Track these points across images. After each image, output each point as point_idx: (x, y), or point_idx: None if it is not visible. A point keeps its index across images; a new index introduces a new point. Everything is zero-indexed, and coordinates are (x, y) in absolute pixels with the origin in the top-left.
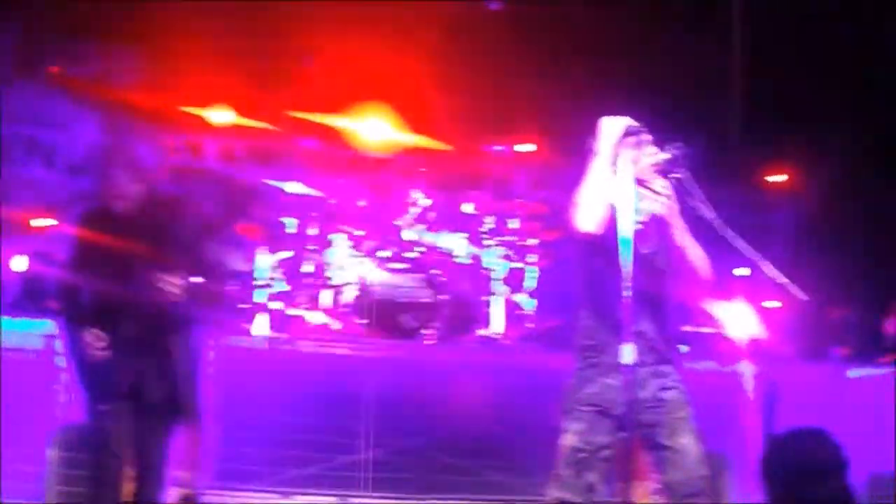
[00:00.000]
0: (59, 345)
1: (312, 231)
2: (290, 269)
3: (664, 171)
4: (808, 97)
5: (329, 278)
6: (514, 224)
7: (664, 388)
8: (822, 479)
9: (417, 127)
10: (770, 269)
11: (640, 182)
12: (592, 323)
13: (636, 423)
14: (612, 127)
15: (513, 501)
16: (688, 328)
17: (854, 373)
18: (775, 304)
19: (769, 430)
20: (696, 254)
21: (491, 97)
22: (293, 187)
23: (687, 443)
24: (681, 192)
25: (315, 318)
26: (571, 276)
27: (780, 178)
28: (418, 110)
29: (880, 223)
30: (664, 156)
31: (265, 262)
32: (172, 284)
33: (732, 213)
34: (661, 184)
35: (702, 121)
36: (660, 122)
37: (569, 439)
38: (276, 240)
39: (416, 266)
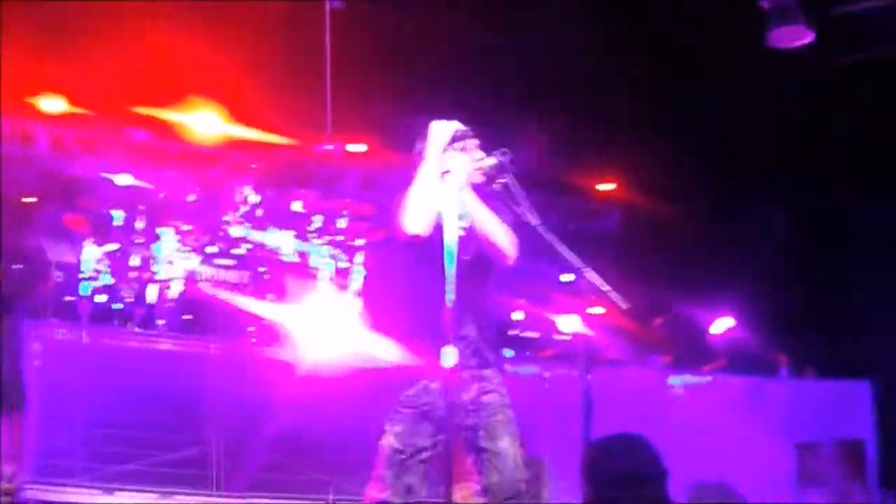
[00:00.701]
0: None
1: (140, 224)
2: (116, 263)
3: (490, 176)
4: (631, 106)
5: (155, 273)
6: (341, 224)
7: (485, 392)
8: (640, 486)
9: (249, 122)
10: (593, 276)
11: (466, 187)
12: (414, 325)
13: (456, 426)
14: (439, 131)
15: (335, 501)
16: (510, 332)
17: (675, 380)
18: (599, 310)
19: (589, 435)
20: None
21: (324, 96)
22: (122, 179)
23: (506, 446)
24: (506, 197)
25: (141, 311)
26: (394, 278)
27: (608, 186)
28: (250, 106)
29: (705, 232)
30: (490, 161)
31: (91, 254)
32: None
33: (559, 221)
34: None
35: (530, 127)
36: (488, 127)
37: (388, 440)
38: (102, 232)
39: (243, 263)
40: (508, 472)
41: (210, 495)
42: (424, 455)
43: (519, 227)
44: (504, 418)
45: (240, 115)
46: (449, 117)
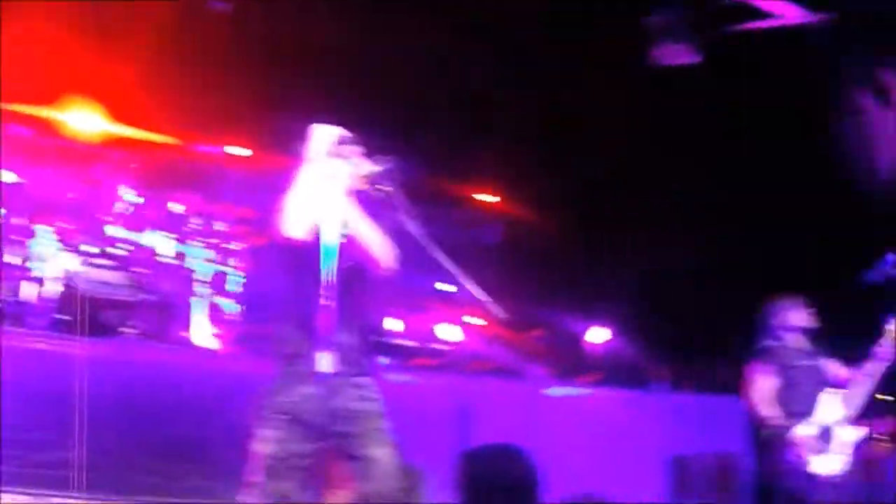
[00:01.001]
0: None
1: (18, 221)
2: None
3: (373, 183)
4: (516, 118)
5: (31, 270)
6: (220, 226)
7: (360, 399)
8: (513, 496)
9: (131, 122)
10: (473, 287)
11: (347, 194)
12: (291, 330)
13: (331, 433)
14: (323, 135)
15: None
16: (388, 340)
17: (552, 391)
18: (478, 320)
19: (464, 444)
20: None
21: (208, 97)
22: (2, 176)
23: (382, 454)
24: (388, 206)
25: (15, 309)
26: (273, 282)
27: (492, 198)
28: (132, 105)
29: (586, 244)
30: (373, 168)
31: None
32: None
33: (440, 231)
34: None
35: (415, 136)
36: (373, 134)
37: (263, 446)
38: None
39: (121, 263)
40: (384, 480)
41: (74, 498)
42: (300, 462)
43: (400, 235)
44: (380, 426)
45: (121, 113)
46: (333, 122)
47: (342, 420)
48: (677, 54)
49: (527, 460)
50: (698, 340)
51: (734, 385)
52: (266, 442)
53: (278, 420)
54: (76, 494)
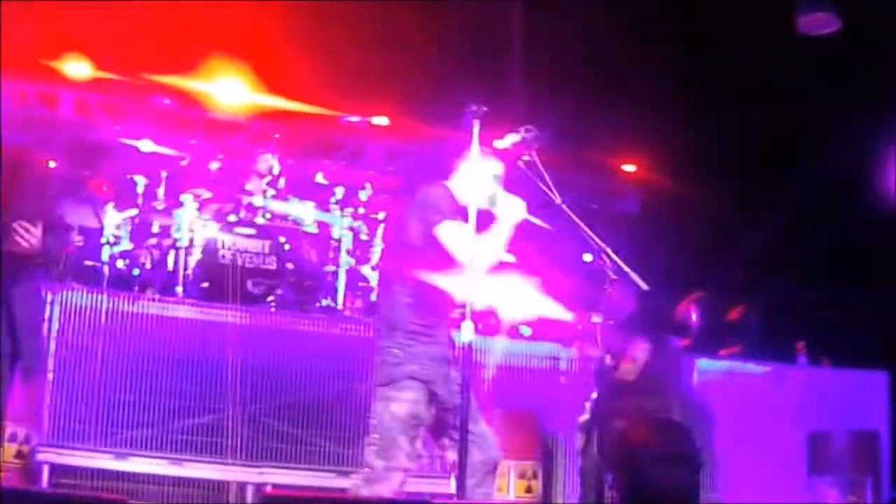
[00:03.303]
0: None
1: (162, 191)
2: (136, 228)
3: (514, 154)
4: (655, 91)
5: (176, 240)
6: (363, 196)
7: (459, 378)
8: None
9: (274, 91)
10: (614, 257)
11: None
12: (425, 303)
13: (451, 404)
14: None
15: (346, 472)
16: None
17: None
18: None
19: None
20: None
21: (352, 65)
22: (145, 145)
23: (486, 428)
24: (530, 174)
25: (161, 278)
26: (406, 258)
27: (630, 167)
28: (276, 75)
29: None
30: (514, 138)
31: (112, 219)
32: (30, 234)
33: (579, 200)
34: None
35: (553, 104)
36: (513, 104)
37: (404, 408)
38: (124, 197)
39: (263, 232)
40: (492, 451)
41: (224, 463)
42: (425, 424)
43: (542, 205)
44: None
45: (265, 83)
46: (473, 93)
47: (457, 394)
48: (820, 23)
49: (691, 436)
50: (840, 315)
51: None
52: (407, 403)
53: (416, 384)
54: (221, 460)
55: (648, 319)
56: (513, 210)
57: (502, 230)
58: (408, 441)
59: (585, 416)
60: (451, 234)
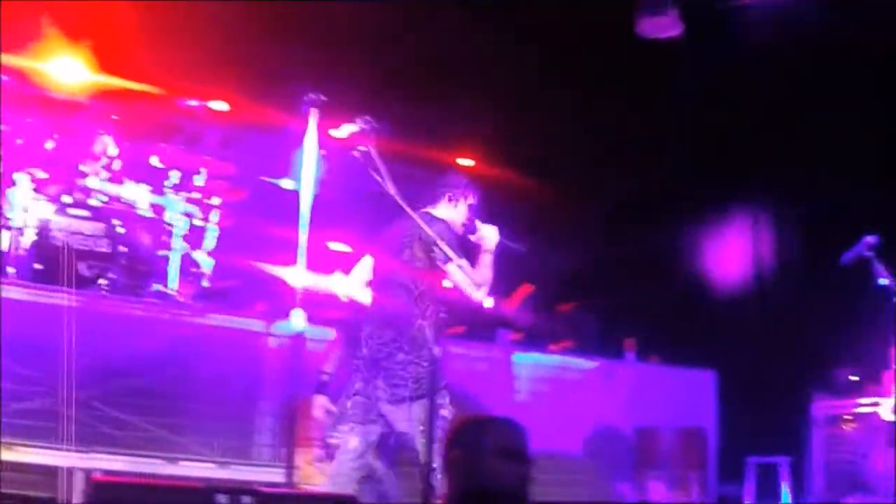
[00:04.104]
0: None
1: None
2: None
3: (352, 144)
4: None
5: (9, 219)
6: (199, 181)
7: None
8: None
9: (112, 71)
10: (446, 248)
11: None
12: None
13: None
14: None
15: (176, 458)
16: None
17: (522, 357)
18: (451, 283)
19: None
20: None
21: (192, 49)
22: None
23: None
24: (366, 165)
25: None
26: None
27: (466, 161)
28: (116, 55)
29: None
30: (351, 128)
31: None
32: None
33: (416, 192)
34: None
35: (391, 97)
36: (352, 96)
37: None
38: None
39: (98, 215)
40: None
41: (55, 448)
42: None
43: (376, 196)
44: None
45: (103, 63)
46: (310, 83)
47: None
48: (661, 27)
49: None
50: (672, 313)
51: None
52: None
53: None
54: (54, 445)
55: (479, 313)
56: (490, 237)
57: (486, 257)
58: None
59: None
60: (457, 270)
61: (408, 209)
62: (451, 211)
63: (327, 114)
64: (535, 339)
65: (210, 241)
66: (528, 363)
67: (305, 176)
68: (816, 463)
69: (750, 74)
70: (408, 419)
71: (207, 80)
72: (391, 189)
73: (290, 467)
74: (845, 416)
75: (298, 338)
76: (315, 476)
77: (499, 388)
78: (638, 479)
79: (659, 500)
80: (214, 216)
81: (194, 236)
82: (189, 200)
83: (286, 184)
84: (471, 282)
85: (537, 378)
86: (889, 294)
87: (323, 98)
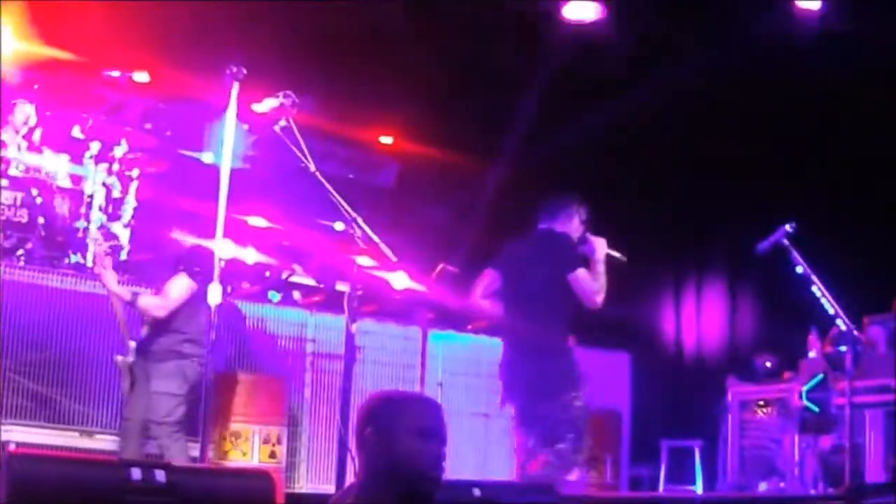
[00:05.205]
0: None
1: None
2: None
3: (273, 119)
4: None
5: None
6: (119, 152)
7: None
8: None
9: (35, 41)
10: (364, 227)
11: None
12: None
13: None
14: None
15: (91, 432)
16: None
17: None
18: (367, 261)
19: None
20: None
21: (113, 18)
22: None
23: None
24: (286, 140)
25: None
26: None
27: (387, 139)
28: (38, 23)
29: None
30: (272, 103)
31: None
32: None
33: (334, 169)
34: None
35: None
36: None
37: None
38: None
39: (16, 184)
40: None
41: None
42: None
43: (295, 171)
44: None
45: (26, 30)
46: (233, 59)
47: None
48: (583, 10)
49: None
50: None
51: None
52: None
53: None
54: None
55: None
56: (599, 248)
57: (599, 266)
58: None
59: None
60: (585, 275)
61: (326, 185)
62: (568, 225)
63: (249, 88)
64: (451, 319)
65: (128, 213)
66: (445, 342)
67: (225, 150)
68: (731, 447)
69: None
70: None
71: (130, 51)
72: (311, 164)
73: (204, 442)
74: (760, 402)
75: (215, 312)
76: (231, 451)
77: (413, 367)
78: None
79: (571, 481)
80: (133, 188)
81: (113, 208)
82: (109, 172)
83: (206, 157)
84: (594, 287)
85: (453, 357)
86: (804, 281)
87: (244, 72)
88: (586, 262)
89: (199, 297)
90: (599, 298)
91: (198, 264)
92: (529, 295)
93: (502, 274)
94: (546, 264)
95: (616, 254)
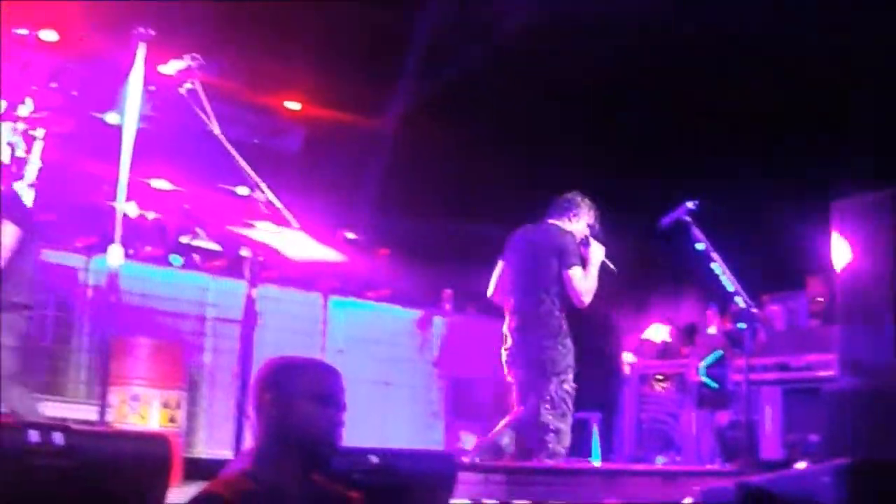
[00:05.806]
0: None
1: None
2: None
3: (179, 81)
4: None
5: None
6: (24, 111)
7: None
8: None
9: None
10: (268, 192)
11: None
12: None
13: None
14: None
15: None
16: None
17: (338, 303)
18: (271, 227)
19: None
20: None
21: None
22: None
23: None
24: (193, 102)
25: None
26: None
27: (294, 104)
28: None
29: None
30: (178, 65)
31: None
32: None
33: (240, 134)
34: None
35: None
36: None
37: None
38: None
39: None
40: None
41: None
42: None
43: (200, 135)
44: None
45: None
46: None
47: None
48: None
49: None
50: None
51: None
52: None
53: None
54: None
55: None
56: (597, 253)
57: (593, 270)
58: None
59: None
60: (579, 274)
61: (231, 149)
62: (574, 225)
63: (156, 49)
64: (352, 286)
65: (32, 173)
66: (346, 309)
67: (130, 111)
68: (628, 421)
69: None
70: None
71: (38, 10)
72: (216, 128)
73: (103, 405)
74: (658, 376)
75: (116, 274)
76: (129, 415)
77: (314, 334)
78: (450, 429)
79: (470, 451)
80: (38, 147)
81: (16, 167)
82: (13, 131)
83: (111, 118)
84: (585, 288)
85: (355, 324)
86: (704, 258)
87: (152, 33)
88: (584, 263)
89: (24, 245)
90: (587, 299)
91: (17, 209)
92: (534, 282)
93: (507, 262)
94: (552, 256)
95: (610, 264)
